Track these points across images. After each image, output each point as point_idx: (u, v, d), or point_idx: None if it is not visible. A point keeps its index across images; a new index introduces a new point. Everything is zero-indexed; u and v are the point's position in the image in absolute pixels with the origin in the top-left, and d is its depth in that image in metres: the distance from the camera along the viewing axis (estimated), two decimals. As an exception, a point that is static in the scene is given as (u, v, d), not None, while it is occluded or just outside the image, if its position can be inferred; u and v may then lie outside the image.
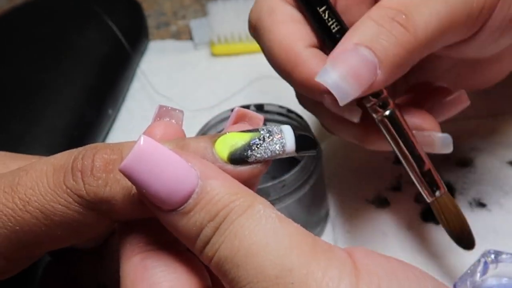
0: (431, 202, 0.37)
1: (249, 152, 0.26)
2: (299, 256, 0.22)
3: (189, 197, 0.24)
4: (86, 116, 0.56)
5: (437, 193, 0.37)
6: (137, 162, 0.23)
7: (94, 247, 0.33)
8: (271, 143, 0.26)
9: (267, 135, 0.26)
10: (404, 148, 0.36)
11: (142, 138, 0.23)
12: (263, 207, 0.24)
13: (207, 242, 0.24)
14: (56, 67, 0.59)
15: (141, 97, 0.63)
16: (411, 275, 0.23)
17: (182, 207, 0.24)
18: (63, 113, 0.55)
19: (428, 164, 0.37)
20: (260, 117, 0.29)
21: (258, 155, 0.26)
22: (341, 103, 0.32)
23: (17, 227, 0.26)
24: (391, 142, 0.36)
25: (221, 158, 0.26)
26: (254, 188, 0.28)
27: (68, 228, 0.26)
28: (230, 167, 0.26)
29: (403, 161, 0.37)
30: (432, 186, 0.37)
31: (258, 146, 0.26)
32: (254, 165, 0.26)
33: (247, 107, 0.45)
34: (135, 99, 0.63)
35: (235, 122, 0.29)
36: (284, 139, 0.26)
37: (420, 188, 0.37)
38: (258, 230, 0.23)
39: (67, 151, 0.27)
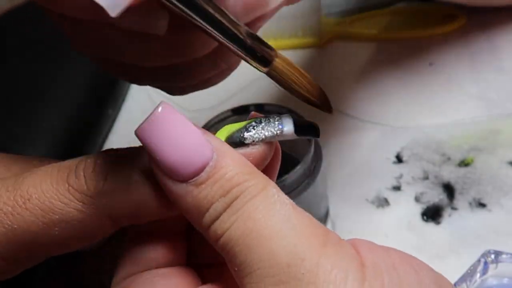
0: (268, 71, 0.30)
1: (245, 133, 0.25)
2: (311, 247, 0.22)
3: (202, 169, 0.23)
4: (86, 116, 0.56)
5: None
6: (154, 126, 0.23)
7: (96, 248, 0.33)
8: (268, 124, 0.26)
9: (264, 119, 0.26)
10: (220, 23, 0.26)
11: (161, 104, 0.23)
12: (277, 192, 0.24)
13: (216, 218, 0.23)
14: (56, 67, 0.59)
15: (141, 97, 0.63)
16: (409, 269, 0.23)
17: (194, 179, 0.23)
18: (63, 113, 0.55)
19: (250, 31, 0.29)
20: None
21: (255, 136, 0.25)
22: (113, 13, 0.22)
23: (15, 226, 0.26)
24: (199, 19, 0.26)
25: None
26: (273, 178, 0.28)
27: (66, 228, 0.26)
28: None
29: (223, 40, 0.27)
30: (263, 54, 0.29)
31: (254, 127, 0.26)
32: (253, 146, 0.26)
33: (247, 107, 0.45)
34: (135, 99, 0.63)
35: None
36: (282, 121, 0.26)
37: (251, 62, 0.29)
38: (273, 214, 0.23)
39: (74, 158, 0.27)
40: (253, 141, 0.25)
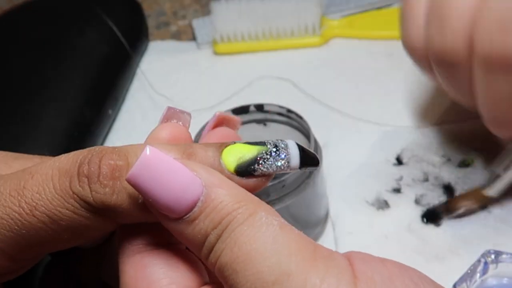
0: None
1: (256, 166, 0.26)
2: (298, 263, 0.23)
3: (194, 205, 0.24)
4: (86, 116, 0.56)
5: None
6: (142, 172, 0.24)
7: (97, 245, 0.33)
8: (277, 158, 0.27)
9: (274, 149, 0.27)
10: None
11: (147, 149, 0.24)
12: (266, 215, 0.24)
13: (211, 250, 0.24)
14: (56, 67, 0.59)
15: (141, 97, 0.63)
16: (408, 282, 0.23)
17: (187, 215, 0.24)
18: (63, 113, 0.55)
19: None
20: (238, 119, 0.30)
21: (264, 170, 0.26)
22: None
23: (24, 231, 0.26)
24: None
25: (228, 170, 0.26)
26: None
27: (74, 231, 0.26)
28: (236, 179, 0.26)
29: None
30: None
31: (265, 160, 0.26)
32: (259, 179, 0.27)
33: (247, 107, 0.45)
34: (135, 99, 0.63)
35: (215, 127, 0.29)
36: (290, 155, 0.27)
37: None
38: (258, 237, 0.23)
39: (72, 153, 0.27)
40: (261, 173, 0.26)
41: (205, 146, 0.27)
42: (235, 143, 0.27)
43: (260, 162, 0.26)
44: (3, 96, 0.57)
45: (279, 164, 0.27)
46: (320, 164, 0.29)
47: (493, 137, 0.38)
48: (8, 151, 0.33)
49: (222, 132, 0.29)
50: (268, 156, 0.27)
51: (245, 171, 0.26)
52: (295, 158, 0.27)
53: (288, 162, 0.27)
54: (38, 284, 0.35)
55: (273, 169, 0.27)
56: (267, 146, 0.27)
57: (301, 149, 0.27)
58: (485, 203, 0.37)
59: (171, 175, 0.24)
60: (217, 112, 0.29)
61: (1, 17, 0.66)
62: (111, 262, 0.33)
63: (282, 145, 0.27)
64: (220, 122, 0.29)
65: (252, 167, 0.26)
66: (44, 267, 0.35)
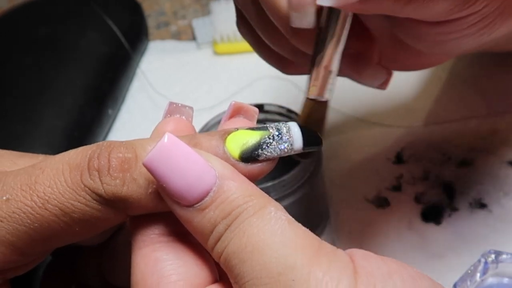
0: (306, 100, 0.34)
1: (260, 151, 0.27)
2: (303, 257, 0.23)
3: (206, 194, 0.25)
4: (86, 116, 0.56)
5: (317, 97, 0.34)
6: (160, 157, 0.24)
7: (98, 244, 0.33)
8: (280, 141, 0.27)
9: (276, 133, 0.27)
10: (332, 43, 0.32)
11: (166, 136, 0.25)
12: (275, 210, 0.25)
13: (218, 239, 0.24)
14: (56, 67, 0.59)
15: (141, 97, 0.63)
16: (406, 276, 0.24)
17: (198, 204, 0.25)
18: (63, 113, 0.55)
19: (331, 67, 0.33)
20: (255, 109, 0.30)
21: (268, 154, 0.27)
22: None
23: (36, 224, 0.26)
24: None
25: (232, 156, 0.27)
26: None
27: (86, 224, 0.27)
28: (242, 165, 0.27)
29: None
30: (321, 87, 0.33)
31: (268, 145, 0.27)
32: (264, 163, 0.27)
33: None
34: (135, 99, 0.63)
35: (232, 116, 0.29)
36: (292, 137, 0.27)
37: (308, 83, 0.34)
38: (267, 229, 0.24)
39: (80, 148, 0.27)
40: (265, 158, 0.27)
41: (208, 135, 0.27)
42: (237, 129, 0.27)
43: (264, 146, 0.27)
44: (3, 96, 0.57)
45: (282, 147, 0.27)
46: (322, 145, 0.29)
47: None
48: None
49: (239, 122, 0.29)
50: (271, 140, 0.27)
51: (249, 156, 0.27)
52: (298, 140, 0.27)
53: (291, 145, 0.27)
54: (39, 283, 0.35)
55: (277, 153, 0.27)
56: (269, 130, 0.27)
57: (304, 131, 0.28)
58: (317, 111, 0.34)
59: (186, 163, 0.25)
60: (233, 101, 0.29)
61: (1, 17, 0.66)
62: (113, 260, 0.33)
63: (285, 128, 0.27)
64: (236, 111, 0.30)
65: (256, 152, 0.27)
66: (45, 267, 0.35)
